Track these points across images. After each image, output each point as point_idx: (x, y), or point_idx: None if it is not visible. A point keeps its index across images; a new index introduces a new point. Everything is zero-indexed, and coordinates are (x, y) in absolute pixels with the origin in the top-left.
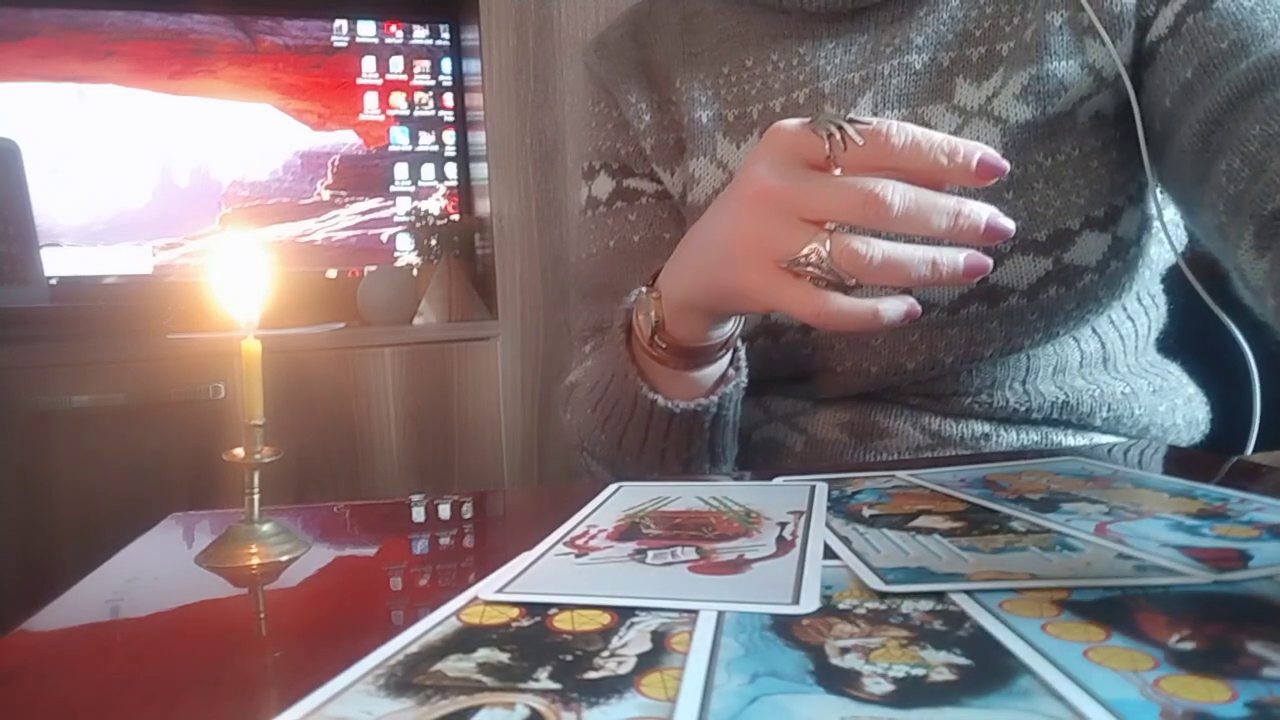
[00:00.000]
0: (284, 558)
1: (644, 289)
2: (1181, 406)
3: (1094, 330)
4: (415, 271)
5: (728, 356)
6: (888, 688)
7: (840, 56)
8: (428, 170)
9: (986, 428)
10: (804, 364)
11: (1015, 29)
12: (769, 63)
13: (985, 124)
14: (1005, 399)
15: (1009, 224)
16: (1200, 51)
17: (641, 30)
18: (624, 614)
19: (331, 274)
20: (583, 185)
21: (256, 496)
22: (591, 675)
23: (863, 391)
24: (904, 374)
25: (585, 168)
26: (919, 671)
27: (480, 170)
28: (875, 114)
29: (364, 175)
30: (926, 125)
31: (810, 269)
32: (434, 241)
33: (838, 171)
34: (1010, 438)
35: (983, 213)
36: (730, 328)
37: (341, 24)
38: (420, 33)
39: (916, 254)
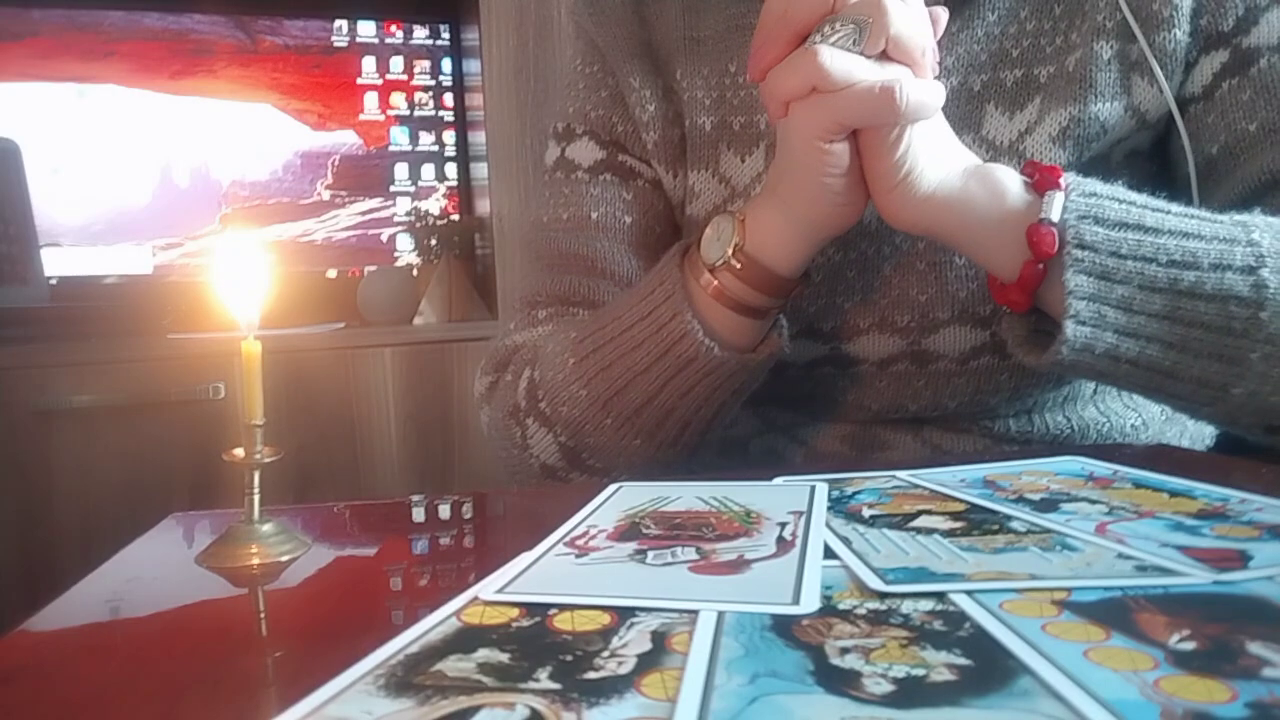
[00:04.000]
0: (284, 558)
1: (717, 215)
2: (1191, 427)
3: None
4: (415, 271)
5: (769, 322)
6: (888, 688)
7: None
8: (428, 170)
9: (989, 443)
10: (806, 394)
11: (1057, 51)
12: None
13: (1015, 165)
14: (1008, 426)
15: None
16: (1228, 130)
17: (642, 2)
18: (624, 614)
19: (331, 274)
20: (554, 144)
21: (256, 496)
22: (591, 675)
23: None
24: (905, 413)
25: (561, 128)
26: (919, 672)
27: (480, 170)
28: None
29: (364, 175)
30: None
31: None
32: (434, 241)
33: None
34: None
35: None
36: (811, 266)
37: (341, 24)
38: (420, 33)
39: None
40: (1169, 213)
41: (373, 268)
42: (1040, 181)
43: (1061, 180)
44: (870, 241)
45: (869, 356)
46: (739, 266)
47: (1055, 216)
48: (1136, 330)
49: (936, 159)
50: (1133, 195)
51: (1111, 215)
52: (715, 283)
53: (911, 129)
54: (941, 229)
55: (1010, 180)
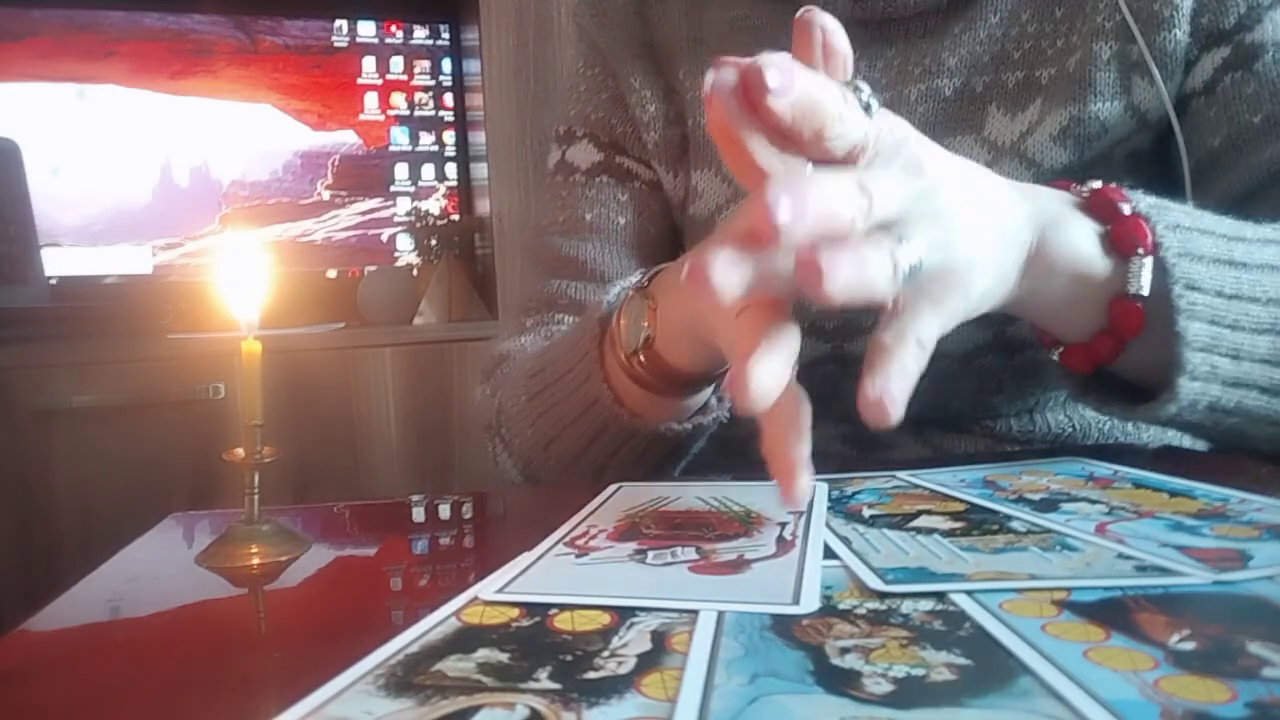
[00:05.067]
0: (284, 558)
1: (636, 289)
2: None
3: None
4: (415, 271)
5: (710, 388)
6: (888, 688)
7: (864, 73)
8: (428, 170)
9: (990, 443)
10: (808, 393)
11: (1058, 53)
12: None
13: (1016, 165)
14: (1009, 426)
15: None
16: (1231, 122)
17: (645, 3)
18: (624, 614)
19: (331, 274)
20: (555, 148)
21: (256, 496)
22: (591, 675)
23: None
24: (907, 413)
25: (563, 131)
26: (919, 672)
27: (480, 170)
28: None
29: (364, 175)
30: None
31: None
32: (434, 241)
33: None
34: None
35: None
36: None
37: (341, 24)
38: (420, 33)
39: None
40: (1246, 240)
41: (373, 268)
42: (1120, 237)
43: (1148, 239)
44: None
45: None
46: (645, 362)
47: (1145, 290)
48: (1242, 379)
49: (998, 267)
50: (1209, 221)
51: (1207, 251)
52: (625, 362)
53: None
54: (1016, 313)
55: (1087, 242)
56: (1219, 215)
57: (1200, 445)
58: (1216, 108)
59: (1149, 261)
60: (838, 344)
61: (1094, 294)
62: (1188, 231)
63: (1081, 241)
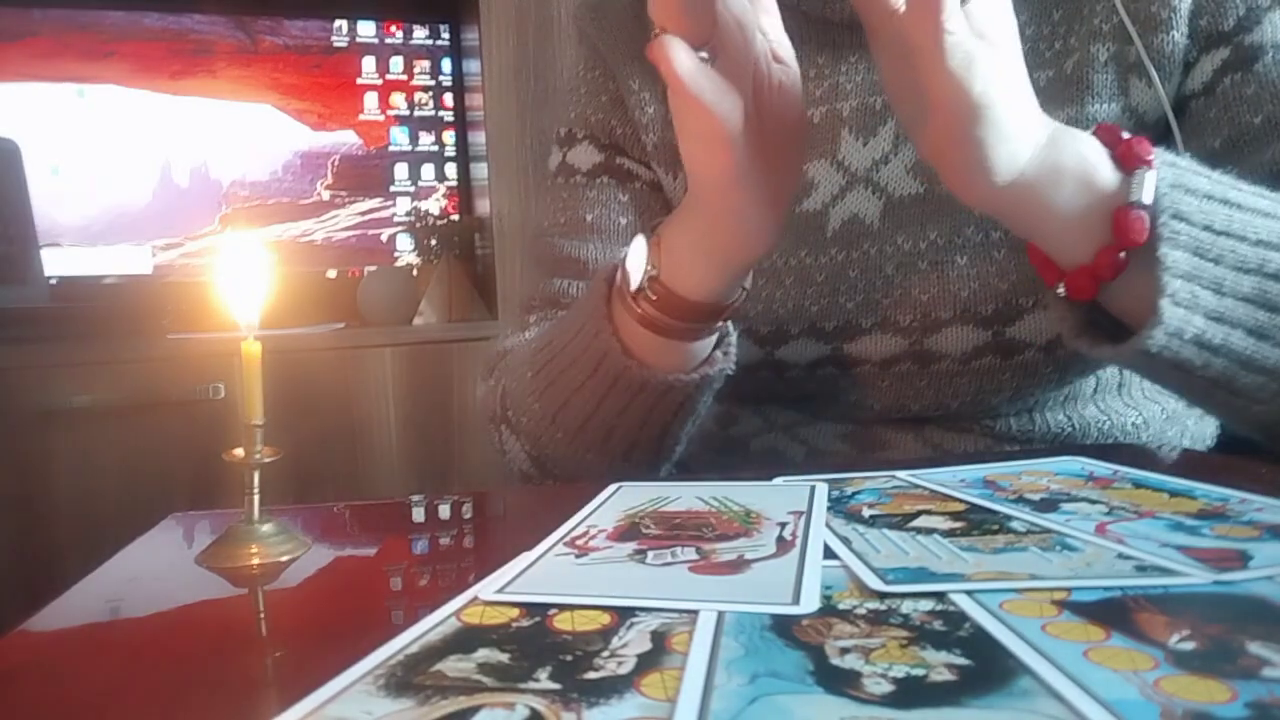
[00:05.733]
0: (284, 558)
1: (642, 235)
2: (1192, 427)
3: None
4: (415, 271)
5: (713, 340)
6: (888, 688)
7: (863, 75)
8: (428, 170)
9: (990, 442)
10: (807, 394)
11: (1056, 55)
12: None
13: None
14: (1009, 425)
15: None
16: (1231, 123)
17: (644, 6)
18: (624, 614)
19: (331, 274)
20: (556, 150)
21: (256, 496)
22: (591, 675)
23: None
24: (907, 413)
25: (564, 133)
26: (919, 672)
27: (480, 170)
28: (896, 147)
29: (364, 175)
30: None
31: None
32: (434, 241)
33: None
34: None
35: None
36: (734, 295)
37: (341, 24)
38: (420, 33)
39: None
40: (1242, 189)
41: (373, 268)
42: (1125, 154)
43: (1151, 156)
44: (873, 241)
45: (871, 356)
46: (654, 297)
47: (1148, 199)
48: (1224, 314)
49: (1012, 139)
50: (1205, 167)
51: (1200, 186)
52: (637, 308)
53: (990, 89)
54: (1016, 215)
55: (1095, 154)
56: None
57: (1200, 445)
58: (1216, 109)
59: (1152, 174)
60: (837, 345)
61: (1099, 204)
62: (1184, 170)
63: (1089, 151)
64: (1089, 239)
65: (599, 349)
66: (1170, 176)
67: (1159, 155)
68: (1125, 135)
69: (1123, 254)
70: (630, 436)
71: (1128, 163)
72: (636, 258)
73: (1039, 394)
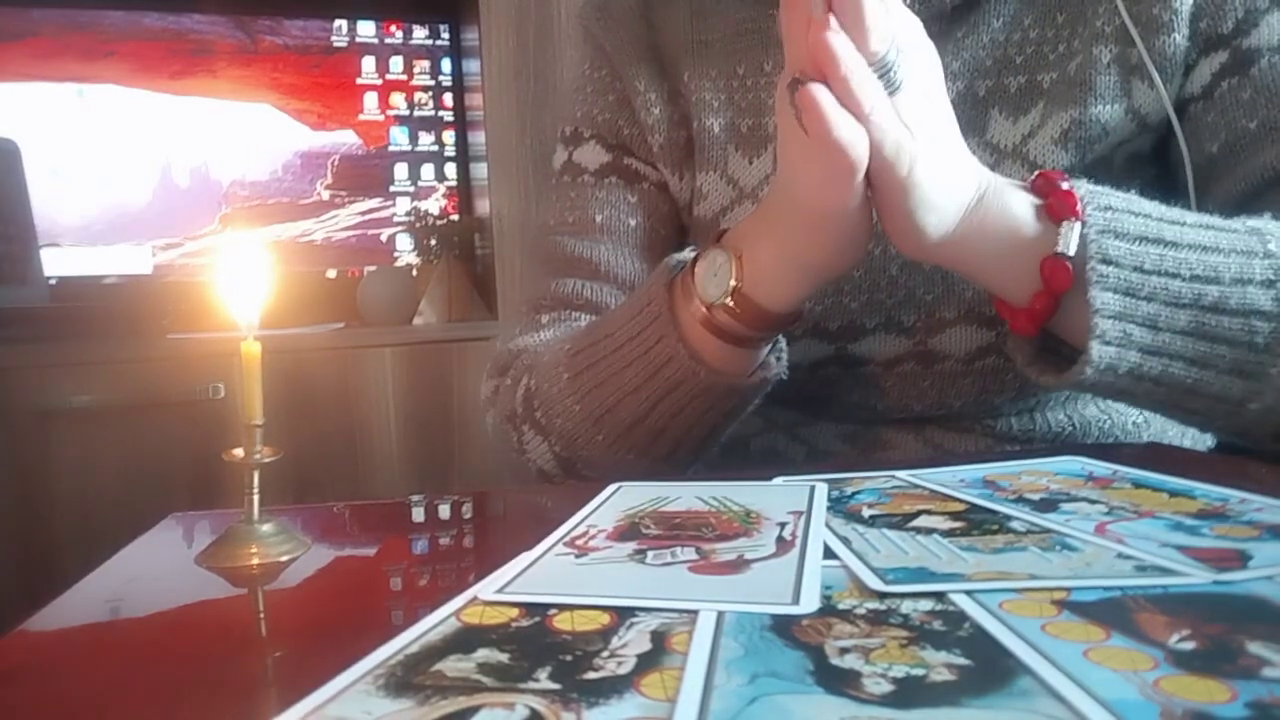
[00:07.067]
0: (284, 558)
1: (712, 245)
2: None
3: None
4: (415, 271)
5: (768, 344)
6: (887, 688)
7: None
8: (427, 170)
9: (991, 442)
10: (810, 394)
11: (1060, 58)
12: None
13: (1018, 167)
14: (1010, 425)
15: None
16: (1229, 127)
17: (650, 6)
18: (624, 614)
19: (331, 274)
20: (561, 149)
21: (256, 496)
22: (591, 675)
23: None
24: (909, 413)
25: (569, 132)
26: (919, 672)
27: (480, 170)
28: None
29: (364, 175)
30: None
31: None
32: (434, 241)
33: None
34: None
35: None
36: (805, 304)
37: (341, 24)
38: (420, 33)
39: None
40: (1184, 224)
41: (372, 268)
42: (1054, 207)
43: (1078, 207)
44: (877, 242)
45: (875, 357)
46: (735, 308)
47: (1072, 250)
48: (1161, 348)
49: (939, 209)
50: (1147, 206)
51: (1132, 229)
52: (705, 314)
53: (915, 170)
54: (954, 266)
55: (1022, 208)
56: (1169, 205)
57: (1200, 445)
58: (1214, 113)
59: (1078, 226)
60: (841, 345)
61: (1027, 254)
62: (1117, 213)
63: (1016, 207)
64: (1023, 285)
65: (662, 354)
66: (1100, 222)
67: (1093, 201)
68: (1063, 185)
69: (1053, 298)
70: (678, 437)
71: (1055, 214)
72: (714, 269)
73: (1041, 393)
